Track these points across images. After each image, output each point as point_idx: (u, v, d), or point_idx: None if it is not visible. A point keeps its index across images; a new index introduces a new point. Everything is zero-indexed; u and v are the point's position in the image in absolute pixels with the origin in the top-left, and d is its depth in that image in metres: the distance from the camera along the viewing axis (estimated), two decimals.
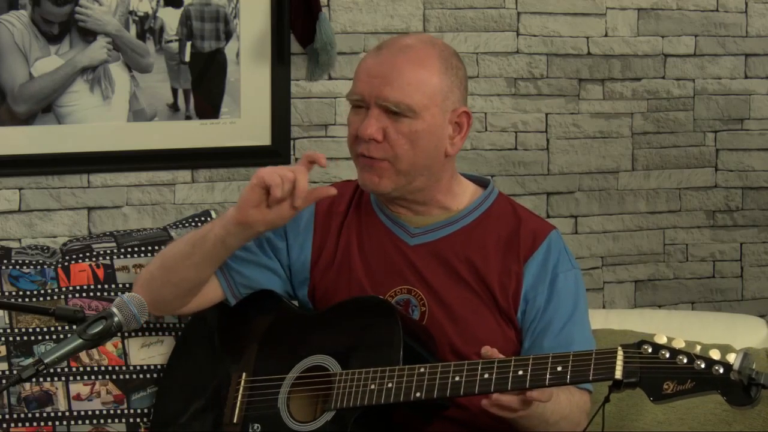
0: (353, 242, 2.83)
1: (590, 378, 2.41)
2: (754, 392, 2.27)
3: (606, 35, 3.90)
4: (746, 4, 4.02)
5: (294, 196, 2.64)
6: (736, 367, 2.27)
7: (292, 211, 2.67)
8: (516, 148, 3.86)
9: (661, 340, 2.35)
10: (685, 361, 2.32)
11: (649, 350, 2.35)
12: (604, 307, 3.98)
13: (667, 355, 2.33)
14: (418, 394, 2.53)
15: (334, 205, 2.87)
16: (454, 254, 2.77)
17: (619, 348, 2.38)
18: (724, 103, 4.04)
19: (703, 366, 2.30)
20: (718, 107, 4.04)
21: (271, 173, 2.64)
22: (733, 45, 4.03)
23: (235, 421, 2.74)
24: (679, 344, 2.34)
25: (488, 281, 2.75)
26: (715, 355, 2.31)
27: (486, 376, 2.48)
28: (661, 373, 2.33)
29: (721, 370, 2.29)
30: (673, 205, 4.04)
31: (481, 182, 2.89)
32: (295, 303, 2.90)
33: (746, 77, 4.05)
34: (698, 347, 2.33)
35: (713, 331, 3.27)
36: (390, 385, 2.55)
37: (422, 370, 2.54)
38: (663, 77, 3.98)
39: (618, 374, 2.36)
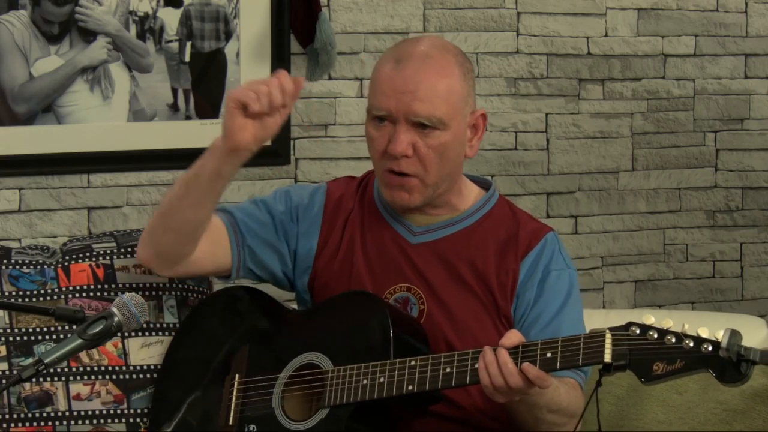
0: (356, 238, 2.83)
1: (580, 363, 2.41)
2: (744, 368, 2.26)
3: (606, 35, 3.90)
4: (746, 4, 4.02)
5: (274, 107, 2.59)
6: (724, 344, 2.26)
7: (279, 118, 2.63)
8: (516, 148, 3.86)
9: (649, 320, 2.34)
10: (673, 340, 2.30)
11: (637, 331, 2.34)
12: (604, 307, 3.98)
13: (656, 336, 2.32)
14: (410, 387, 2.54)
15: (343, 198, 2.88)
16: (455, 254, 2.78)
17: (607, 331, 2.37)
18: (724, 103, 4.04)
19: (692, 345, 2.29)
20: (718, 107, 4.04)
21: (244, 91, 2.59)
22: (733, 45, 4.03)
23: (230, 423, 2.74)
24: (667, 324, 2.33)
25: (489, 282, 2.76)
26: (703, 333, 2.29)
27: (477, 366, 2.48)
28: (650, 355, 2.32)
29: (710, 348, 2.27)
30: (673, 205, 4.04)
31: (483, 184, 2.89)
32: (292, 293, 2.91)
33: (746, 77, 4.05)
34: (686, 325, 2.32)
35: (713, 331, 3.27)
36: (382, 379, 2.56)
37: (413, 363, 2.55)
38: (663, 77, 3.98)
39: (607, 357, 2.36)
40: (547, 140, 3.89)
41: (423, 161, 2.71)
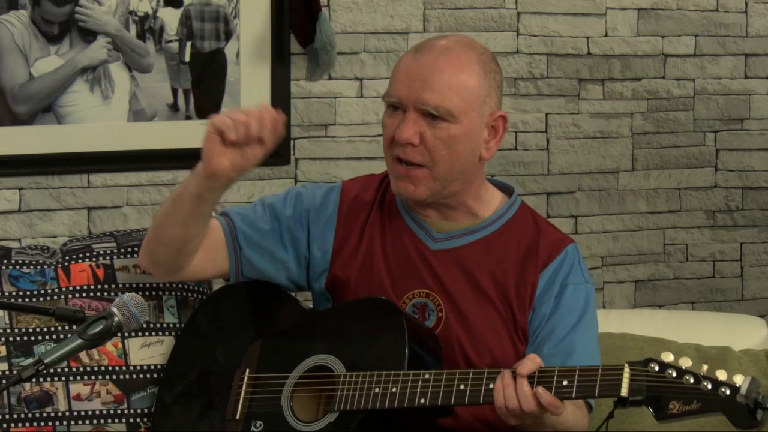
0: (376, 240, 2.81)
1: (596, 394, 2.40)
2: (760, 415, 2.26)
3: (606, 35, 3.90)
4: (746, 4, 4.02)
5: (251, 137, 2.58)
6: (743, 391, 2.26)
7: (259, 151, 2.62)
8: (516, 148, 3.86)
9: (668, 358, 2.34)
10: (692, 381, 2.30)
11: (656, 368, 2.34)
12: (604, 307, 3.98)
13: (674, 375, 2.32)
14: (422, 401, 2.52)
15: (360, 197, 2.86)
16: (475, 264, 2.76)
17: (626, 365, 2.37)
18: (724, 103, 4.04)
19: (709, 387, 2.29)
20: (718, 107, 4.04)
21: (222, 118, 2.58)
22: (733, 45, 4.03)
23: (237, 417, 2.73)
24: (686, 363, 2.33)
25: (508, 295, 2.74)
26: (721, 376, 2.29)
27: (491, 386, 2.47)
28: (667, 393, 2.32)
29: (728, 392, 2.27)
30: (673, 205, 4.04)
31: (506, 189, 2.88)
32: (307, 293, 2.89)
33: (746, 77, 4.05)
34: (705, 367, 2.32)
35: (713, 331, 3.27)
36: (394, 390, 2.54)
37: (427, 376, 2.53)
38: (663, 77, 3.98)
39: (624, 391, 2.35)
40: (547, 140, 3.89)
41: (431, 152, 2.68)
